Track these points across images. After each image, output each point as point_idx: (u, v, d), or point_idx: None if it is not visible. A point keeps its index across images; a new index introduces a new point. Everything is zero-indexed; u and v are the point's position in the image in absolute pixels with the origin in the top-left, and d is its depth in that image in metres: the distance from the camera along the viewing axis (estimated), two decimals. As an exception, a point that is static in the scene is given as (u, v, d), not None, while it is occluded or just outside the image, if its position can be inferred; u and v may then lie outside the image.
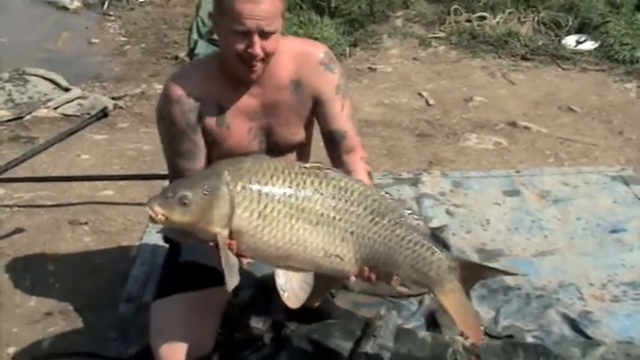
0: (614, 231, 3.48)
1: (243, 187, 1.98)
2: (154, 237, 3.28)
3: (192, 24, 6.99)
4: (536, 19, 6.34)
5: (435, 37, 6.28)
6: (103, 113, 4.88)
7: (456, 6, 6.46)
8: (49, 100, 5.16)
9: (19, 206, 3.75)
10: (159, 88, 5.73)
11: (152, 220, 1.98)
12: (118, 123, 4.95)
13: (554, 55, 5.84)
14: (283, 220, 2.00)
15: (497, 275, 2.30)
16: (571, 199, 3.75)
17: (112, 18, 7.58)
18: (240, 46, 2.17)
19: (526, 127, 4.67)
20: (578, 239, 3.44)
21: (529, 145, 4.47)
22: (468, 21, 6.39)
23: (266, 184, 2.00)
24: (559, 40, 6.07)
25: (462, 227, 3.53)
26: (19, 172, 3.97)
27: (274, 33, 2.19)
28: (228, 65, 2.27)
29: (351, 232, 2.04)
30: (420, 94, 5.26)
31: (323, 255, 2.05)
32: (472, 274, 2.16)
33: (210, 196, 1.97)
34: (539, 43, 6.04)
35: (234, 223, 1.99)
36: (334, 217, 2.03)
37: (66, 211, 3.70)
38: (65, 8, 7.82)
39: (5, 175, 3.85)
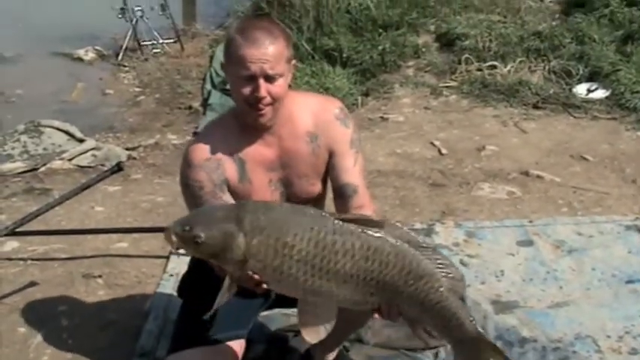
0: (629, 281, 3.46)
1: (260, 242, 1.93)
2: (168, 290, 3.28)
3: (206, 74, 7.08)
4: (546, 67, 6.39)
5: (447, 86, 6.33)
6: (118, 167, 4.91)
7: (466, 55, 6.52)
8: (64, 151, 5.21)
9: (32, 259, 3.76)
10: (173, 138, 5.78)
11: (170, 243, 1.99)
12: (131, 174, 4.98)
13: (566, 104, 5.87)
14: (303, 277, 1.94)
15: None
16: (586, 249, 3.73)
17: (127, 69, 7.69)
18: (247, 91, 2.21)
19: (539, 176, 4.67)
20: (593, 290, 3.42)
21: (542, 194, 4.46)
22: (479, 70, 6.43)
23: (285, 243, 1.93)
24: (570, 89, 6.10)
25: (476, 278, 3.51)
26: (32, 224, 3.99)
27: (280, 77, 2.23)
28: (241, 113, 2.31)
29: (384, 290, 1.99)
30: (432, 143, 5.28)
31: (351, 304, 2.01)
32: (487, 347, 2.13)
33: (225, 241, 1.93)
34: (551, 91, 6.06)
35: (249, 267, 1.96)
36: (365, 278, 1.97)
37: (80, 264, 3.70)
38: (80, 59, 7.96)
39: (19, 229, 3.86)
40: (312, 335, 2.01)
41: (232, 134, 2.34)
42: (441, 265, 2.05)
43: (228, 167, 2.32)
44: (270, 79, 2.20)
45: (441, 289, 2.02)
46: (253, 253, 1.93)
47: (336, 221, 1.96)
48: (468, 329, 2.07)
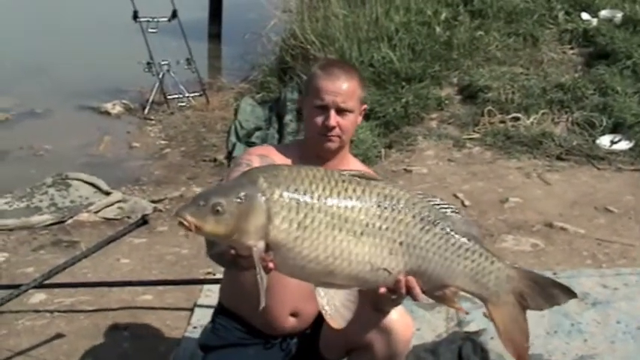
0: (655, 335, 3.44)
1: (281, 195, 1.88)
2: (192, 343, 3.31)
3: (231, 127, 7.21)
4: (570, 119, 6.42)
5: (470, 138, 6.38)
6: (143, 220, 4.98)
7: (489, 107, 6.58)
8: (91, 204, 5.30)
9: (59, 311, 3.82)
10: (197, 190, 5.86)
11: (185, 228, 1.86)
12: (157, 226, 5.06)
13: (589, 155, 5.89)
14: (325, 231, 1.88)
15: (557, 291, 2.08)
16: (610, 302, 3.72)
17: (153, 122, 7.84)
18: (319, 120, 2.37)
19: (562, 228, 4.69)
20: (618, 343, 3.40)
21: (566, 246, 4.48)
22: (502, 122, 6.49)
23: (305, 191, 1.89)
24: (593, 140, 6.12)
25: (500, 331, 3.50)
26: (59, 277, 4.06)
27: (350, 112, 2.39)
28: (309, 143, 2.43)
29: (400, 243, 1.93)
30: (455, 195, 5.32)
31: (369, 269, 1.93)
32: (531, 286, 2.05)
33: (246, 204, 1.86)
34: (574, 143, 6.10)
35: (271, 235, 1.87)
36: (380, 227, 1.91)
37: (106, 317, 3.76)
38: (107, 113, 8.13)
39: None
40: (338, 320, 1.94)
41: (293, 155, 2.48)
42: (453, 211, 2.02)
43: None
44: (341, 111, 2.37)
45: (459, 231, 1.97)
46: (277, 211, 1.86)
47: (342, 174, 1.97)
48: (506, 271, 1.98)
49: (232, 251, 1.95)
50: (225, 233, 1.87)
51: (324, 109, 2.37)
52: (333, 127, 2.38)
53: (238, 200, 1.86)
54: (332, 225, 1.89)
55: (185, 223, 1.85)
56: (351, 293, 1.97)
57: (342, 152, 2.49)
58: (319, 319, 2.52)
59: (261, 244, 1.88)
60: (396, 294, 2.01)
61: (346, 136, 2.45)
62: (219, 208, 1.85)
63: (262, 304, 1.91)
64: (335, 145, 2.43)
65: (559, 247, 4.47)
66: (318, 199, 1.90)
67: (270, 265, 1.91)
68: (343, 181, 1.94)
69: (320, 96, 2.36)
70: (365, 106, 2.53)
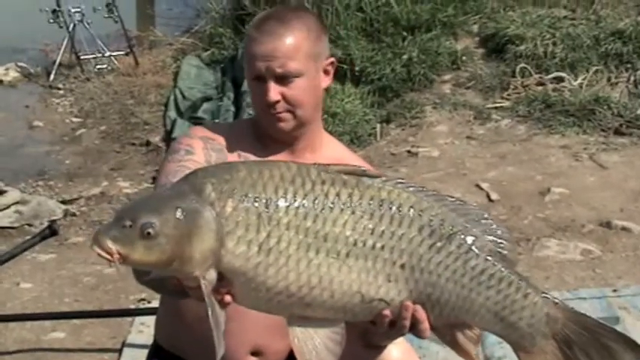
0: None
1: (235, 208, 1.85)
2: (120, 397, 3.31)
3: (169, 98, 7.19)
4: (632, 79, 6.48)
5: (496, 107, 6.42)
6: (51, 230, 4.96)
7: (522, 65, 6.62)
8: (-24, 207, 5.27)
9: (-64, 357, 3.80)
10: (125, 186, 5.84)
11: (105, 259, 1.80)
12: (69, 237, 5.03)
13: (659, 128, 5.95)
14: (296, 253, 1.86)
15: (618, 345, 2.06)
16: (691, 328, 3.76)
17: (61, 92, 7.80)
18: (259, 95, 2.35)
19: (624, 229, 4.72)
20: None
21: (630, 252, 4.50)
22: (540, 84, 6.54)
23: (268, 201, 1.87)
24: (664, 107, 6.18)
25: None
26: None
27: (297, 77, 2.34)
28: (260, 122, 2.43)
29: (402, 266, 1.91)
30: (478, 186, 5.34)
31: (359, 300, 1.91)
32: (581, 333, 2.01)
33: (187, 223, 1.83)
34: (638, 111, 6.15)
35: (224, 262, 1.85)
36: (374, 245, 1.89)
37: (0, 362, 3.74)
38: (-1, 81, 8.09)
39: None
40: None
41: (247, 138, 2.45)
42: (476, 219, 1.99)
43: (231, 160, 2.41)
44: (282, 79, 2.32)
45: (484, 249, 1.95)
46: (230, 230, 1.84)
47: (322, 172, 1.93)
48: (545, 308, 1.96)
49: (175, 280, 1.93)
50: (161, 262, 1.85)
51: (261, 79, 2.34)
52: (276, 102, 2.35)
53: (177, 218, 1.83)
54: (306, 245, 1.87)
55: (103, 253, 1.80)
56: (335, 330, 1.94)
57: (308, 132, 2.45)
58: (289, 359, 2.53)
59: (212, 274, 1.85)
60: (396, 328, 2.01)
61: (303, 110, 2.40)
62: (150, 230, 1.82)
63: (220, 352, 1.89)
64: (289, 124, 2.39)
65: (620, 253, 4.49)
66: (286, 212, 1.86)
67: (227, 298, 1.87)
68: (323, 182, 1.90)
69: (252, 64, 2.32)
70: (331, 59, 2.43)
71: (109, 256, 1.79)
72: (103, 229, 1.82)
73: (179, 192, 1.88)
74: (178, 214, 1.83)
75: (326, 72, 2.44)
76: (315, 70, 2.41)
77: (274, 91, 2.33)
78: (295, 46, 2.35)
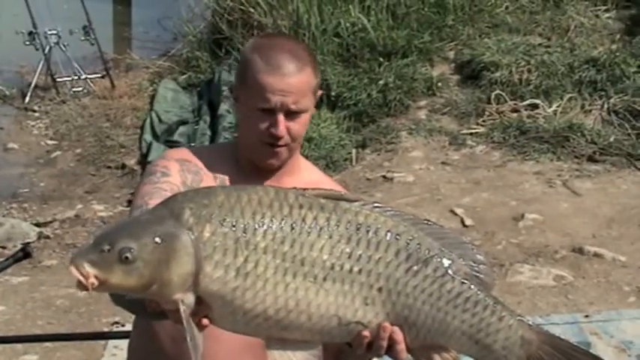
0: None
1: (213, 233, 1.88)
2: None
3: (145, 121, 7.20)
4: (605, 106, 6.52)
5: (471, 133, 6.45)
6: (24, 252, 4.93)
7: (497, 91, 6.65)
8: (-50, 229, 5.26)
9: None
10: (99, 209, 5.84)
11: (81, 286, 1.81)
12: (43, 259, 5.03)
13: (631, 155, 6.00)
14: (273, 277, 1.89)
15: None
16: (661, 354, 3.80)
17: (37, 114, 7.78)
18: (263, 126, 2.34)
19: (597, 255, 4.76)
20: (671, 408, 3.47)
21: (601, 278, 4.54)
22: (515, 111, 6.57)
23: (246, 226, 1.90)
24: (637, 135, 6.22)
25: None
26: None
27: (304, 113, 2.37)
28: (248, 149, 2.43)
29: (379, 289, 1.94)
30: (452, 211, 5.37)
31: (337, 323, 1.94)
32: (554, 356, 2.02)
33: (166, 247, 1.86)
34: (611, 138, 6.19)
35: (202, 285, 1.87)
36: (351, 269, 1.92)
37: (-28, 385, 3.73)
38: (-27, 102, 8.07)
39: None
40: None
41: (226, 161, 2.46)
42: (453, 243, 2.00)
43: (207, 184, 2.41)
44: (291, 114, 2.35)
45: (459, 273, 1.97)
46: (208, 254, 1.87)
47: (299, 196, 1.96)
48: (520, 332, 1.98)
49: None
50: (139, 286, 1.87)
51: (270, 112, 2.39)
52: (281, 137, 2.39)
53: (156, 242, 1.85)
54: (283, 269, 1.90)
55: (80, 277, 1.80)
56: (313, 352, 1.97)
57: (291, 159, 2.51)
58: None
59: (190, 298, 1.88)
60: (373, 349, 2.03)
61: (297, 142, 2.45)
62: (128, 254, 1.84)
63: None
64: (283, 157, 2.43)
65: (592, 279, 4.53)
66: (263, 236, 1.89)
67: (205, 321, 1.90)
68: (300, 207, 1.93)
69: (264, 96, 2.32)
70: (320, 91, 2.52)
71: (84, 280, 1.79)
72: (81, 252, 1.85)
73: (157, 216, 1.91)
74: (157, 238, 1.85)
75: (315, 103, 2.48)
76: (313, 104, 2.46)
77: (283, 125, 2.36)
78: (307, 83, 2.39)
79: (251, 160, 2.47)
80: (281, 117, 2.36)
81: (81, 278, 1.80)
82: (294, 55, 2.40)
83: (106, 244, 1.85)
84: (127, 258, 1.84)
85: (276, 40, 2.56)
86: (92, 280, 1.81)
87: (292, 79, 2.34)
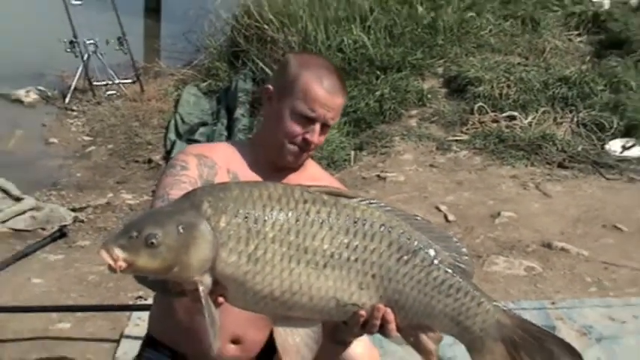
0: (668, 375, 3.52)
1: (228, 223, 1.91)
2: (117, 381, 3.32)
3: (170, 122, 7.21)
4: (575, 119, 6.53)
5: (456, 140, 6.45)
6: (61, 232, 4.98)
7: (480, 104, 6.66)
8: (-3, 211, 5.26)
9: (-46, 342, 3.79)
10: (128, 197, 5.84)
11: (111, 268, 1.84)
12: (77, 240, 5.03)
13: (597, 163, 6.00)
14: (280, 264, 1.93)
15: (558, 349, 2.05)
16: (617, 338, 3.78)
17: (75, 113, 7.79)
18: (298, 130, 2.40)
19: (563, 249, 4.76)
20: (626, 386, 3.48)
21: (567, 270, 4.54)
22: (495, 121, 6.57)
23: (257, 218, 1.93)
24: (602, 145, 6.23)
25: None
26: (-43, 299, 4.04)
27: (330, 128, 2.47)
28: (271, 146, 2.46)
29: (373, 276, 1.97)
30: (437, 207, 5.37)
31: (335, 305, 1.98)
32: (526, 338, 2.04)
33: (187, 234, 1.88)
34: (579, 148, 6.20)
35: (218, 269, 1.91)
36: (348, 258, 1.95)
37: (11, 349, 3.72)
38: (19, 101, 8.06)
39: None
40: (296, 359, 1.99)
41: (239, 157, 2.50)
42: (439, 237, 2.04)
43: (221, 177, 2.43)
44: (324, 127, 2.42)
45: (444, 263, 2.00)
46: (223, 241, 1.90)
47: (304, 192, 1.98)
48: (496, 316, 2.01)
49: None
50: (163, 268, 1.90)
51: (310, 120, 2.42)
52: (312, 144, 2.43)
53: (178, 230, 1.88)
54: (288, 257, 1.93)
55: (110, 260, 1.84)
56: (313, 329, 2.01)
57: (302, 167, 2.54)
58: (266, 349, 2.55)
59: (207, 280, 1.91)
60: (366, 327, 2.04)
61: (314, 150, 2.51)
62: (154, 240, 1.86)
63: (215, 345, 1.96)
64: (301, 160, 2.48)
65: (559, 271, 4.53)
66: (272, 227, 1.93)
67: (220, 299, 1.94)
68: (305, 202, 1.96)
69: (311, 106, 2.39)
70: None
71: (113, 263, 1.82)
72: (112, 238, 1.88)
73: (180, 207, 1.93)
74: (179, 226, 1.88)
75: None
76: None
77: (317, 135, 2.42)
78: (342, 105, 2.49)
79: (268, 157, 2.50)
80: (318, 127, 2.42)
81: (110, 261, 1.82)
82: (341, 80, 2.50)
83: (134, 231, 1.87)
84: (152, 243, 1.86)
85: (320, 60, 2.62)
86: (121, 262, 1.83)
87: (337, 99, 2.43)
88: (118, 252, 1.84)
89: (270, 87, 2.49)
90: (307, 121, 2.40)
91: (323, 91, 2.40)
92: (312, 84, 2.40)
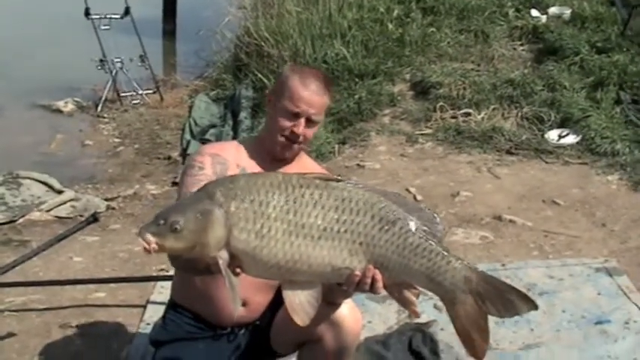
0: (598, 322, 3.55)
1: (238, 207, 1.96)
2: (144, 340, 3.32)
3: (185, 125, 7.21)
4: (519, 114, 6.52)
5: (422, 134, 6.45)
6: (94, 218, 5.00)
7: (441, 103, 6.65)
8: (42, 202, 5.25)
9: (10, 311, 3.80)
10: (151, 188, 5.86)
11: (146, 250, 1.95)
12: (110, 224, 5.05)
13: (538, 150, 6.00)
14: (282, 238, 1.96)
15: (517, 299, 2.06)
16: (556, 292, 3.82)
17: (106, 120, 7.79)
18: (287, 124, 2.45)
19: (511, 221, 4.78)
20: (563, 332, 3.51)
21: (514, 238, 4.57)
22: (454, 117, 6.56)
23: (261, 202, 1.97)
24: (542, 135, 6.23)
25: (449, 322, 3.56)
26: (10, 276, 4.04)
27: (316, 124, 2.50)
28: (267, 141, 2.49)
29: (360, 243, 2.01)
30: (407, 189, 5.38)
31: (330, 269, 2.01)
32: (490, 290, 2.06)
33: (203, 219, 1.95)
34: (523, 137, 6.20)
35: (232, 245, 1.96)
36: (339, 230, 1.99)
37: (57, 315, 3.75)
38: (59, 111, 8.04)
39: (-2, 280, 3.92)
40: (302, 315, 2.03)
41: (246, 154, 2.55)
42: (413, 209, 2.07)
43: (232, 171, 2.47)
44: (309, 123, 2.46)
45: (418, 230, 2.02)
46: (234, 222, 1.95)
47: (300, 178, 2.02)
48: (463, 272, 2.02)
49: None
50: (186, 248, 1.97)
51: (296, 116, 2.43)
52: (299, 136, 2.45)
53: (197, 216, 1.95)
54: (289, 232, 1.97)
55: (145, 244, 1.94)
56: (315, 290, 2.06)
57: (297, 159, 2.57)
58: (269, 310, 2.58)
59: (225, 255, 1.97)
60: (359, 286, 2.07)
61: (305, 145, 2.54)
62: (177, 226, 1.94)
63: (237, 307, 2.04)
64: (293, 152, 2.53)
65: (507, 239, 4.56)
66: (274, 209, 1.97)
67: (237, 270, 2.01)
68: (301, 187, 2.00)
69: (297, 104, 2.43)
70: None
71: (147, 246, 1.95)
72: (145, 226, 1.99)
73: (197, 198, 2.01)
74: (197, 214, 1.96)
75: (322, 123, 2.58)
76: (323, 120, 2.56)
77: (302, 127, 2.45)
78: (325, 103, 2.58)
79: (270, 151, 2.55)
80: (302, 121, 2.45)
81: (145, 245, 1.94)
82: (326, 84, 2.53)
83: (161, 220, 1.96)
84: (176, 229, 1.94)
85: (310, 69, 2.68)
86: (153, 245, 1.94)
87: (319, 98, 2.48)
88: (150, 237, 1.94)
89: (271, 94, 2.56)
90: (293, 116, 2.44)
91: (306, 91, 2.43)
92: (298, 86, 2.44)
